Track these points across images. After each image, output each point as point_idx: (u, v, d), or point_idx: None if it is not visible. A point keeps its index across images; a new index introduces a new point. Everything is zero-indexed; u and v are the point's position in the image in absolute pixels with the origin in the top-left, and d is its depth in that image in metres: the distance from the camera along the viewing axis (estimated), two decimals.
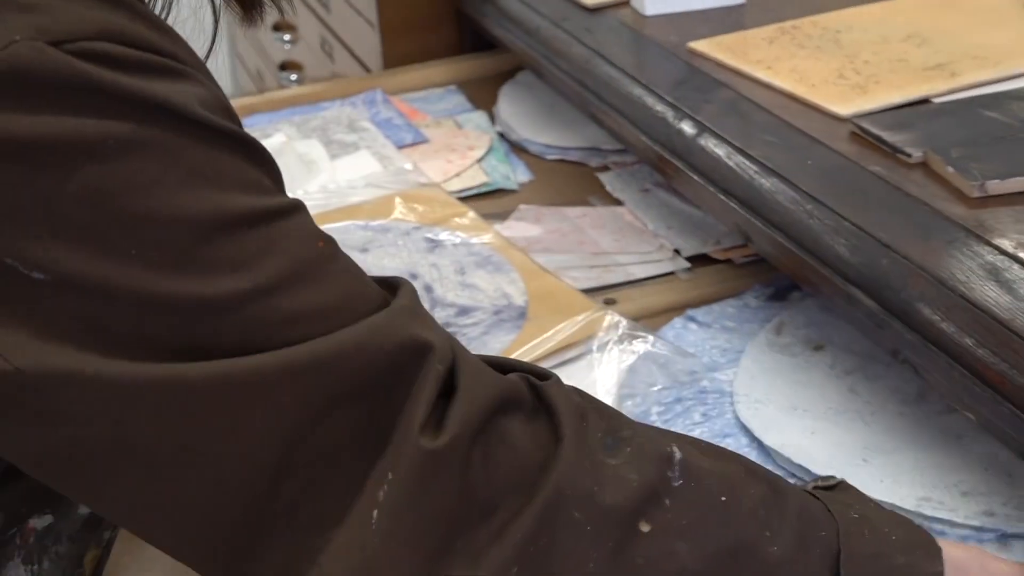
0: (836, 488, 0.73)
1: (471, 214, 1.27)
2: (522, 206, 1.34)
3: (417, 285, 1.13)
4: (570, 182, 1.40)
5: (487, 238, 1.23)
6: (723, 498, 0.65)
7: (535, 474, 0.62)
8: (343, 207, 1.30)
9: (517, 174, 1.42)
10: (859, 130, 1.08)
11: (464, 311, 1.12)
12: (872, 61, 1.21)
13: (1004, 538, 0.85)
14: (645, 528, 0.63)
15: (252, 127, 1.55)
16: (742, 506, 0.65)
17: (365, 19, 1.77)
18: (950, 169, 0.98)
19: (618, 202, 1.33)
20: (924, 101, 1.13)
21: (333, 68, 2.03)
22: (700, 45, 1.29)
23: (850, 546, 0.66)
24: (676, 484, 0.64)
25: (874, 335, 0.93)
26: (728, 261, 1.21)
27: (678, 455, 0.65)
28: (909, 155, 1.02)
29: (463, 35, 1.74)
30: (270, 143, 1.48)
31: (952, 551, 0.70)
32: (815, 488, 0.72)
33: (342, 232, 1.22)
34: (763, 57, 1.24)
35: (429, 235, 1.23)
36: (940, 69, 1.18)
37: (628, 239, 1.26)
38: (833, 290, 0.95)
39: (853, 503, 0.71)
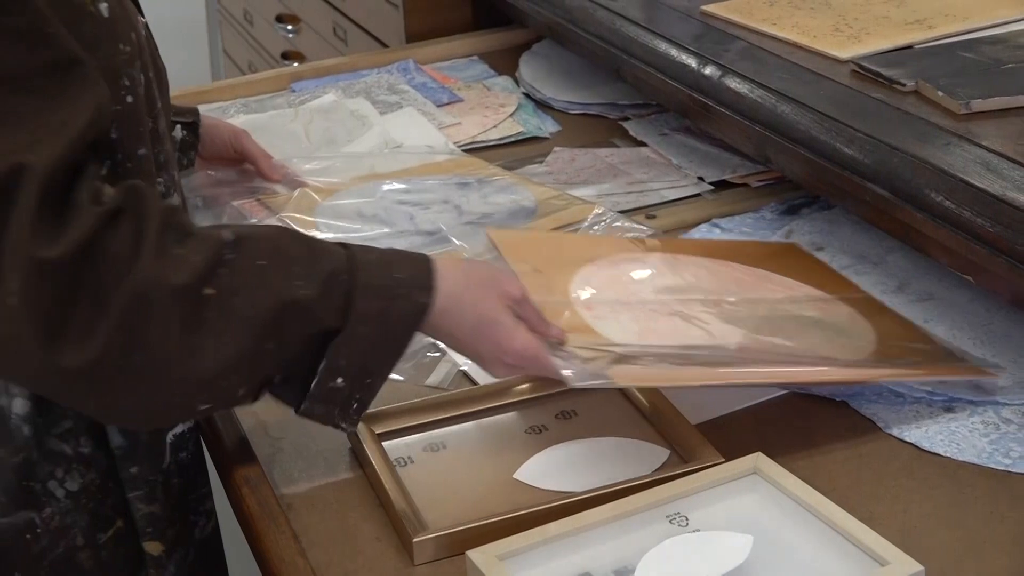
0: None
1: (497, 168, 1.48)
2: (556, 148, 1.55)
3: (448, 206, 1.37)
4: (595, 130, 1.61)
5: (509, 177, 1.44)
6: (263, 262, 0.89)
7: (124, 269, 0.84)
8: (401, 169, 1.49)
9: (547, 125, 1.63)
10: (859, 68, 1.30)
11: (486, 215, 1.36)
12: (860, 18, 1.43)
13: (950, 401, 1.05)
14: (209, 291, 0.86)
15: (302, 91, 1.74)
16: (280, 265, 0.90)
17: (388, 0, 1.97)
18: (940, 93, 1.21)
19: (642, 144, 1.54)
20: (908, 47, 1.35)
21: (345, 51, 2.22)
22: (712, 8, 1.51)
23: (362, 281, 0.91)
24: (229, 257, 0.88)
25: (886, 223, 1.15)
26: (745, 185, 1.42)
27: (231, 237, 0.89)
28: (904, 84, 1.24)
29: (477, 12, 1.94)
30: (323, 101, 1.68)
31: (451, 278, 0.94)
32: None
33: (388, 184, 1.42)
34: (767, 16, 1.46)
35: (461, 180, 1.43)
36: (919, 23, 1.40)
37: (656, 171, 1.47)
38: (852, 187, 1.17)
39: (375, 249, 0.95)
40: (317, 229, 1.33)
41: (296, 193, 1.39)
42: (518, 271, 1.11)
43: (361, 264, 0.92)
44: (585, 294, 1.11)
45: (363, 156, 1.52)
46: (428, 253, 0.97)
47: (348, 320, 0.90)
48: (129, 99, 0.93)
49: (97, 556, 1.01)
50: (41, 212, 0.82)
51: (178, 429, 1.03)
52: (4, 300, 0.81)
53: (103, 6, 0.91)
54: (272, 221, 1.34)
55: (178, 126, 1.33)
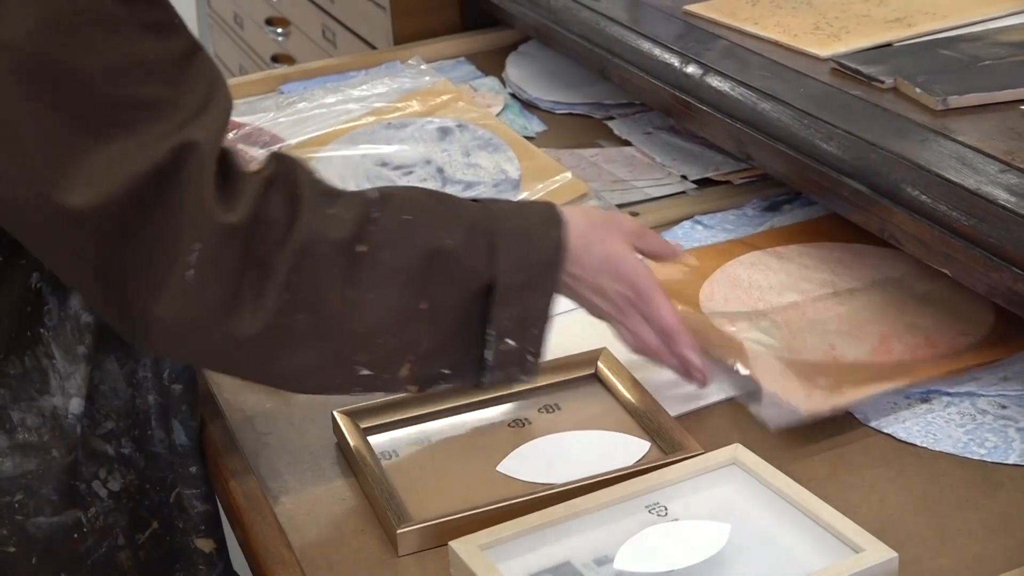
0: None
1: (464, 102, 1.50)
2: (542, 150, 1.56)
3: (431, 169, 1.39)
4: (580, 130, 1.62)
5: (486, 122, 1.45)
6: (408, 216, 0.93)
7: (285, 231, 0.88)
8: (373, 110, 1.52)
9: (533, 125, 1.64)
10: (838, 66, 1.31)
11: (470, 186, 1.37)
12: (841, 17, 1.45)
13: (927, 393, 1.07)
14: (361, 248, 0.91)
15: (290, 92, 1.75)
16: (424, 219, 0.94)
17: (375, 3, 1.98)
18: (917, 90, 1.22)
19: (626, 143, 1.56)
20: (887, 45, 1.37)
21: (335, 53, 2.23)
22: (694, 8, 1.52)
23: (500, 227, 0.96)
24: (376, 214, 0.92)
25: (864, 217, 1.16)
26: (728, 182, 1.44)
27: (376, 195, 0.94)
28: (882, 82, 1.26)
29: (465, 14, 1.96)
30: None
31: (575, 219, 1.00)
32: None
33: (370, 133, 1.43)
34: (749, 15, 1.48)
35: (440, 124, 1.43)
36: (898, 22, 1.42)
37: (639, 170, 1.48)
38: (830, 183, 1.18)
39: (501, 200, 1.03)
40: None
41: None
42: None
43: (496, 212, 0.97)
44: (719, 311, 1.16)
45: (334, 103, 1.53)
46: None
47: (496, 268, 0.94)
48: None
49: (135, 556, 1.03)
50: (217, 181, 0.85)
51: None
52: (182, 276, 0.84)
53: None
54: None
55: None
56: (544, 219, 0.98)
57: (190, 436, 1.03)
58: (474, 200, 1.00)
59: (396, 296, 0.91)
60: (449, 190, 1.34)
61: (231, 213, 0.85)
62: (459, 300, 0.94)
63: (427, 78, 1.60)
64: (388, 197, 0.94)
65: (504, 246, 0.95)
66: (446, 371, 0.97)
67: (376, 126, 1.45)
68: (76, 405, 0.98)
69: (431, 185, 1.35)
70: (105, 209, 0.82)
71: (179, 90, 0.86)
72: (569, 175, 1.39)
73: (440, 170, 1.37)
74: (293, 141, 1.43)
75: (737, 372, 1.05)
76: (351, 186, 1.33)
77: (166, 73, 0.86)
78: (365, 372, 0.93)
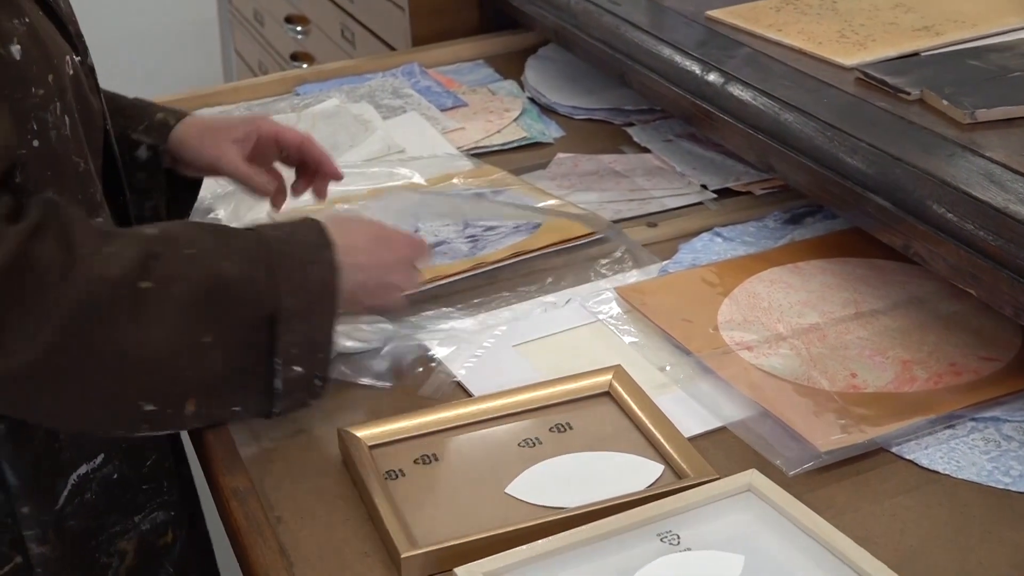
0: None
1: (511, 177, 1.44)
2: (560, 155, 1.53)
3: (460, 224, 1.34)
4: (599, 136, 1.59)
5: (523, 188, 1.41)
6: (191, 251, 0.94)
7: (61, 274, 0.87)
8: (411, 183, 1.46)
9: (551, 130, 1.61)
10: (864, 76, 1.28)
11: (491, 228, 1.33)
12: (867, 24, 1.42)
13: (950, 417, 1.03)
14: (146, 284, 0.90)
15: (306, 94, 1.73)
16: (206, 251, 0.95)
17: (394, 3, 1.96)
18: (944, 102, 1.19)
19: (645, 150, 1.53)
20: (914, 55, 1.33)
21: (353, 53, 2.21)
22: (717, 13, 1.49)
23: (277, 251, 0.97)
24: (159, 250, 0.92)
25: (888, 234, 1.13)
26: (748, 193, 1.40)
27: (155, 232, 0.94)
28: (908, 93, 1.23)
29: (484, 16, 1.93)
30: (326, 106, 1.66)
31: (350, 239, 1.02)
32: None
33: (402, 197, 1.39)
34: (773, 22, 1.45)
35: (476, 191, 1.41)
36: (926, 30, 1.39)
37: (659, 178, 1.45)
38: (854, 198, 1.15)
39: (276, 225, 1.02)
40: None
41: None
42: (666, 326, 1.14)
43: (272, 239, 0.98)
44: (738, 335, 1.13)
45: (375, 163, 1.50)
46: None
47: (278, 295, 0.95)
48: (36, 143, 0.92)
49: None
50: None
51: (82, 469, 1.03)
52: None
53: (15, 48, 0.90)
54: None
55: (143, 147, 1.21)
56: (317, 244, 1.00)
57: (17, 475, 0.99)
58: (249, 229, 1.00)
59: (182, 329, 0.92)
60: (467, 233, 1.32)
61: None
62: (244, 331, 0.95)
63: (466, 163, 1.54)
64: (168, 232, 0.95)
65: (283, 273, 0.96)
66: (236, 408, 0.98)
67: (413, 193, 1.41)
68: None
69: (450, 229, 1.32)
70: None
71: None
72: (591, 221, 1.34)
73: (466, 223, 1.34)
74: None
75: (755, 405, 1.02)
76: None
77: None
78: (149, 408, 0.93)
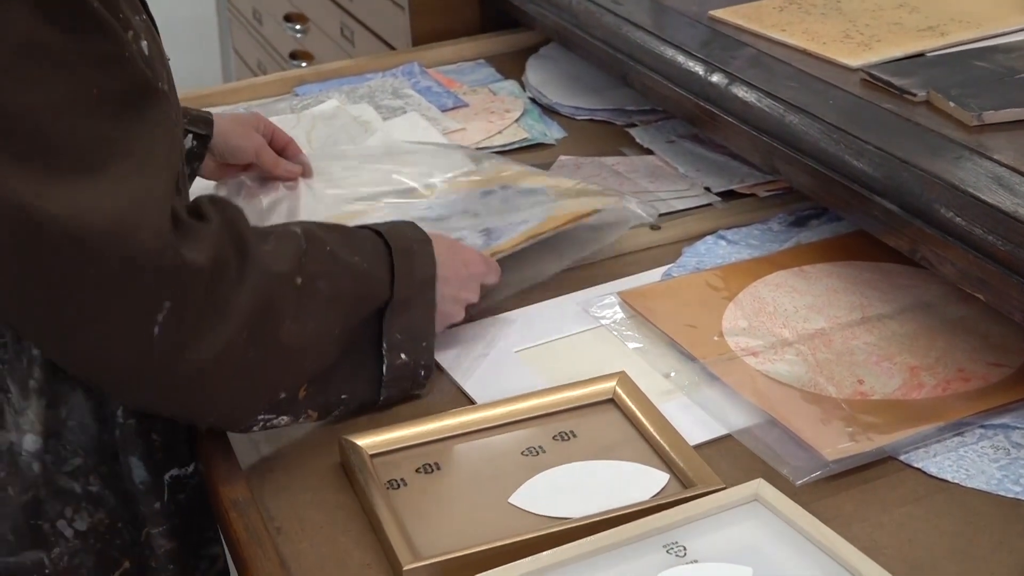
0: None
1: (522, 168, 1.39)
2: (562, 157, 1.52)
3: (467, 215, 1.31)
4: (601, 137, 1.58)
5: (534, 178, 1.36)
6: (329, 248, 0.98)
7: (239, 271, 0.90)
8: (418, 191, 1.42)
9: (552, 131, 1.60)
10: (869, 77, 1.27)
11: (506, 223, 1.29)
12: (872, 24, 1.40)
13: (959, 424, 1.02)
14: (299, 280, 0.94)
15: (305, 95, 1.72)
16: (341, 248, 0.99)
17: (394, 2, 1.94)
18: (951, 104, 1.17)
19: (648, 151, 1.51)
20: (920, 55, 1.32)
21: (353, 52, 2.20)
22: (720, 13, 1.47)
23: (392, 246, 1.03)
24: (305, 247, 0.96)
25: (895, 237, 1.11)
26: (753, 195, 1.39)
27: (299, 230, 0.98)
28: (914, 95, 1.21)
29: (485, 15, 1.91)
30: (325, 107, 1.65)
31: (436, 248, 1.06)
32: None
33: (409, 206, 1.37)
34: (777, 22, 1.43)
35: (484, 191, 1.36)
36: (931, 30, 1.37)
37: (662, 180, 1.44)
38: (860, 201, 1.14)
39: (380, 224, 1.06)
40: None
41: None
42: (670, 332, 1.13)
43: (386, 233, 1.03)
44: (743, 341, 1.12)
45: (381, 156, 1.47)
46: None
47: (392, 286, 1.01)
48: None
49: None
50: (176, 230, 0.86)
51: (174, 471, 1.02)
52: (151, 331, 0.84)
53: (144, 44, 0.90)
54: None
55: (189, 135, 1.29)
56: (418, 237, 1.05)
57: (150, 471, 1.00)
58: (362, 226, 1.05)
59: (324, 322, 0.96)
60: (480, 227, 1.28)
61: (197, 255, 0.86)
62: (362, 318, 1.00)
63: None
64: (309, 231, 0.98)
65: (398, 265, 1.02)
66: (344, 396, 1.02)
67: (417, 201, 1.38)
68: (31, 442, 0.94)
69: (464, 223, 1.30)
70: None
71: (131, 128, 0.84)
72: (602, 199, 1.30)
73: (476, 215, 1.31)
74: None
75: (761, 413, 1.01)
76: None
77: (114, 110, 0.83)
78: (282, 395, 0.96)
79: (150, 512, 1.00)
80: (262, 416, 0.97)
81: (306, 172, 1.36)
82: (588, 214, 1.27)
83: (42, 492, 0.95)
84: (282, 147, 1.36)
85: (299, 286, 0.94)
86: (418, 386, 1.05)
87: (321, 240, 0.98)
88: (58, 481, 0.96)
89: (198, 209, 0.92)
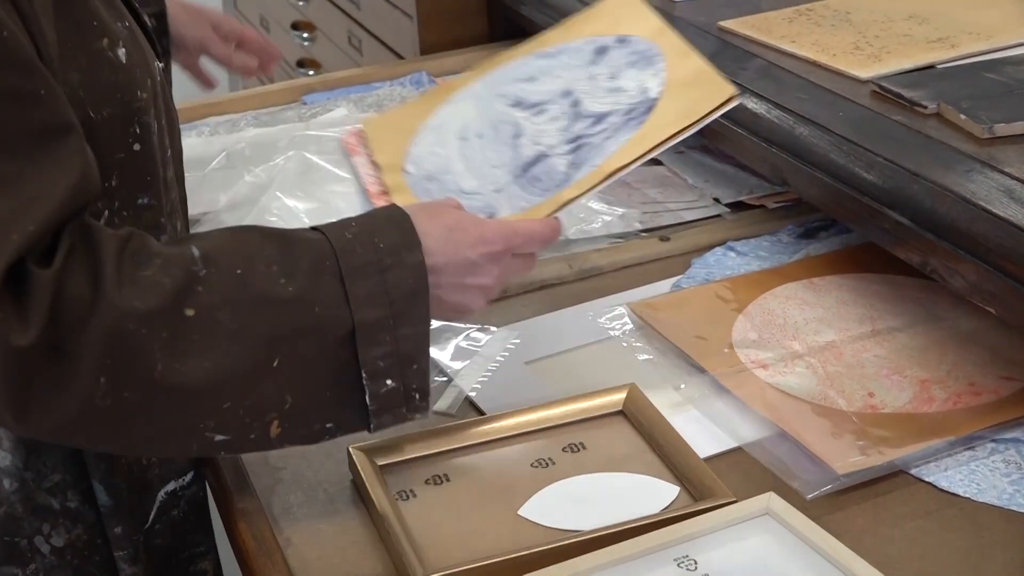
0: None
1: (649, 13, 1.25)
2: None
3: (567, 101, 1.21)
4: None
5: (652, 35, 1.22)
6: (239, 270, 0.85)
7: (86, 313, 0.79)
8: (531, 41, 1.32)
9: None
10: (879, 88, 1.26)
11: (599, 119, 1.17)
12: (881, 36, 1.40)
13: (970, 439, 1.02)
14: (190, 312, 0.83)
15: (313, 103, 1.72)
16: (257, 268, 0.86)
17: (402, 11, 1.94)
18: (962, 116, 1.17)
19: (657, 162, 1.51)
20: (930, 67, 1.32)
21: (360, 60, 2.20)
22: (729, 24, 1.47)
23: (348, 263, 0.88)
24: (202, 273, 0.84)
25: (905, 250, 1.11)
26: (762, 207, 1.39)
27: (197, 252, 0.85)
28: (925, 107, 1.21)
29: (493, 24, 1.91)
30: (333, 116, 1.65)
31: (428, 240, 0.92)
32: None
33: (521, 64, 1.28)
34: (786, 33, 1.43)
35: (598, 44, 1.25)
36: (941, 42, 1.37)
37: (672, 191, 1.44)
38: (870, 213, 1.14)
39: (351, 224, 0.91)
40: (405, 173, 1.28)
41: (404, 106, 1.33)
42: (680, 344, 1.12)
43: (342, 245, 0.89)
44: (753, 353, 1.11)
45: None
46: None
47: (352, 307, 0.87)
48: (136, 147, 0.90)
49: None
50: (6, 298, 0.78)
51: (170, 486, 1.01)
52: None
53: (121, 52, 0.88)
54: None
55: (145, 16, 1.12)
56: (396, 245, 0.90)
57: (110, 494, 0.97)
58: (316, 229, 0.91)
59: (239, 357, 0.84)
60: (579, 125, 1.18)
61: (23, 335, 0.78)
62: (319, 349, 0.87)
63: None
64: (211, 251, 0.85)
65: (354, 282, 0.88)
66: (329, 425, 0.91)
67: (530, 57, 1.28)
68: (3, 459, 0.93)
69: (561, 124, 1.18)
70: None
71: (21, 168, 0.79)
72: (716, 79, 1.13)
73: (576, 103, 1.20)
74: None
75: (771, 426, 1.01)
76: (469, 141, 1.26)
77: (9, 146, 0.79)
78: (220, 438, 0.87)
79: (113, 536, 0.98)
80: (210, 452, 0.91)
81: (270, 54, 1.38)
82: (709, 113, 1.10)
83: (18, 509, 0.94)
84: (237, 39, 1.37)
85: (185, 319, 0.82)
86: (416, 410, 0.93)
87: (229, 262, 0.85)
88: (36, 498, 0.95)
89: (52, 247, 0.81)
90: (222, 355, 0.83)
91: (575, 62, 1.23)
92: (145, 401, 0.83)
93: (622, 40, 1.22)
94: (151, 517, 1.01)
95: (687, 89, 1.14)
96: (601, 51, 1.22)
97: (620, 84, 1.18)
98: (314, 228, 0.91)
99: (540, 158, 1.16)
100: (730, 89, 1.10)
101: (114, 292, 0.80)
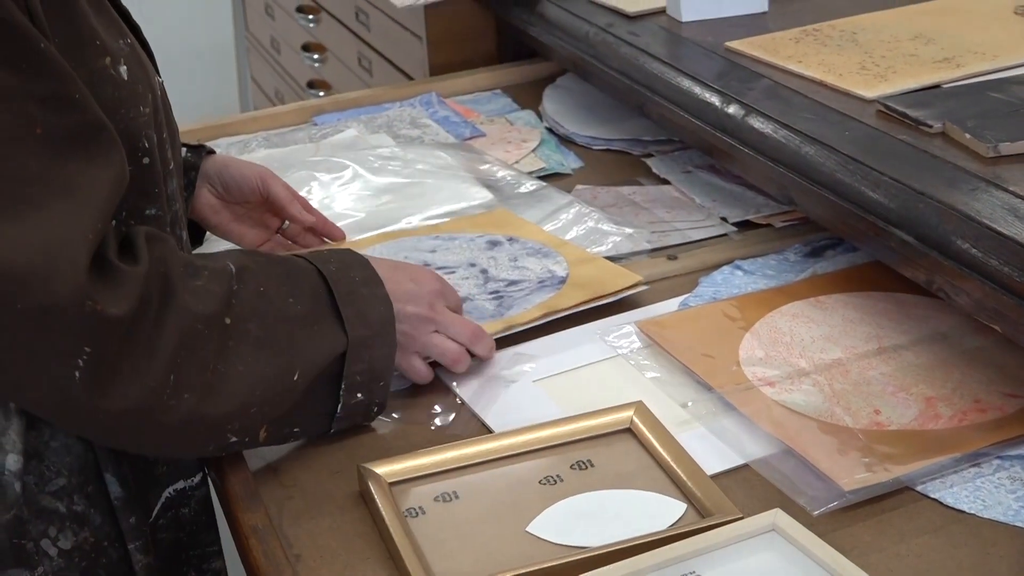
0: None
1: (532, 225, 1.40)
2: (579, 186, 1.53)
3: (474, 271, 1.31)
4: (617, 167, 1.59)
5: (540, 236, 1.37)
6: (262, 288, 0.97)
7: (161, 312, 0.90)
8: (425, 226, 1.43)
9: (569, 161, 1.61)
10: (885, 108, 1.27)
11: (513, 283, 1.29)
12: (887, 56, 1.41)
13: (976, 455, 1.02)
14: (229, 320, 0.94)
15: (324, 124, 1.73)
16: (272, 288, 0.98)
17: (412, 33, 1.96)
18: (967, 136, 1.18)
19: (665, 181, 1.52)
20: (935, 87, 1.33)
21: (370, 81, 2.21)
22: (736, 44, 1.49)
23: (337, 289, 1.02)
24: (235, 287, 0.95)
25: (911, 268, 1.12)
26: (769, 226, 1.40)
27: (234, 268, 0.96)
28: (930, 126, 1.22)
29: (502, 45, 1.93)
30: (343, 137, 1.66)
31: (384, 273, 1.06)
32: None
33: (416, 243, 1.38)
34: (792, 53, 1.44)
35: (491, 239, 1.38)
36: (947, 62, 1.38)
37: (679, 210, 1.45)
38: (876, 232, 1.14)
39: (331, 260, 1.05)
40: None
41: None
42: (688, 362, 1.13)
43: (330, 274, 1.02)
44: (760, 371, 1.12)
45: (388, 200, 1.48)
46: None
47: (345, 328, 1.00)
48: (145, 160, 0.95)
49: None
50: (91, 277, 0.84)
51: (179, 484, 1.02)
52: (72, 377, 0.85)
53: (123, 69, 0.92)
54: None
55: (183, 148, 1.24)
56: (366, 279, 1.04)
57: (123, 487, 1.00)
58: (307, 263, 1.03)
59: (265, 364, 0.95)
60: (489, 289, 1.27)
61: (115, 306, 0.85)
62: (323, 365, 0.99)
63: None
64: (243, 268, 0.97)
65: (345, 306, 1.00)
66: (297, 429, 1.02)
67: (424, 238, 1.39)
68: (13, 462, 0.95)
69: (471, 284, 1.28)
70: None
71: (67, 168, 0.84)
72: (627, 276, 1.27)
73: (484, 271, 1.30)
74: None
75: (778, 443, 1.02)
76: None
77: (52, 148, 0.84)
78: (234, 439, 0.97)
79: (128, 528, 1.00)
80: (216, 452, 1.01)
81: (329, 231, 1.35)
82: (611, 294, 1.25)
83: (24, 512, 0.96)
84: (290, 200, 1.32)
85: (226, 327, 0.93)
86: (368, 420, 1.07)
87: (254, 278, 0.97)
88: (41, 501, 0.96)
89: (131, 247, 0.91)
90: (253, 361, 0.94)
91: (472, 247, 1.36)
92: (193, 400, 0.91)
93: (512, 239, 1.36)
94: (155, 512, 1.04)
95: (593, 275, 1.27)
96: (493, 243, 1.36)
97: (524, 265, 1.31)
98: (297, 255, 1.04)
99: (464, 299, 1.23)
100: (635, 277, 1.26)
101: (183, 295, 0.91)
